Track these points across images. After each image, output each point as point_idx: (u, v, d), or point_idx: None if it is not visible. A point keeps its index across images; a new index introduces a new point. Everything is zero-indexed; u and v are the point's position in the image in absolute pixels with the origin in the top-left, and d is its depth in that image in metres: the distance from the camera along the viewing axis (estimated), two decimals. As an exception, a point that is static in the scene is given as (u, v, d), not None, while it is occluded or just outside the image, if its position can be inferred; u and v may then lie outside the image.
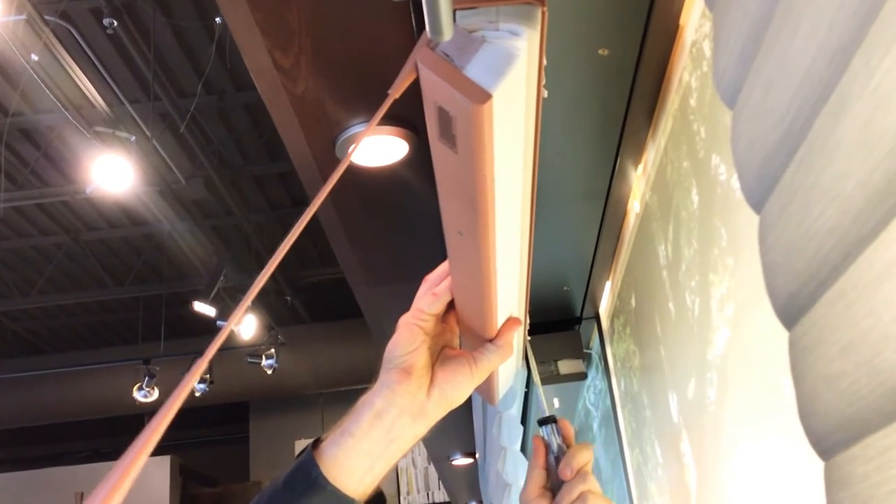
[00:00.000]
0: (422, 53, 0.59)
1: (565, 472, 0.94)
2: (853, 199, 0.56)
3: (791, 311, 0.69)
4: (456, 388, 0.82)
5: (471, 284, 0.79)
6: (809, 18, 0.59)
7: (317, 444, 0.79)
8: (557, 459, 0.97)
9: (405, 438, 0.79)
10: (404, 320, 0.81)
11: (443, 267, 0.84)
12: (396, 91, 0.63)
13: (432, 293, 0.81)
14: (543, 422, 1.01)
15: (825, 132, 0.59)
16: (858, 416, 0.60)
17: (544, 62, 0.67)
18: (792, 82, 0.63)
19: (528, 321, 1.00)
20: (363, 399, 0.79)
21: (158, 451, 10.20)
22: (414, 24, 1.37)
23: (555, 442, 0.99)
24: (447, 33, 0.57)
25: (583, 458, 0.95)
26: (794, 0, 0.61)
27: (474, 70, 0.59)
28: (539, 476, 0.97)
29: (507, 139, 0.63)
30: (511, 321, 0.86)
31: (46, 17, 4.22)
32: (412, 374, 0.79)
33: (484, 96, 0.57)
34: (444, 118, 0.60)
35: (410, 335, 0.80)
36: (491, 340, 0.84)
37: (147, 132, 5.11)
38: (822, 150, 0.60)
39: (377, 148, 1.97)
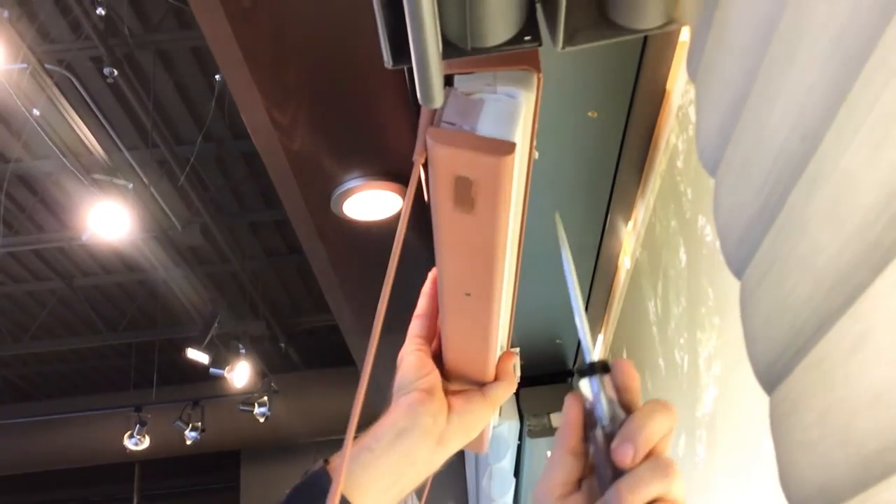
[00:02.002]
0: (430, 132, 0.61)
1: (623, 453, 0.58)
2: (825, 273, 0.58)
3: (770, 377, 0.70)
4: (474, 414, 0.81)
5: (474, 342, 0.80)
6: (784, 98, 0.62)
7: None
8: (609, 436, 0.60)
9: (423, 464, 0.79)
10: (406, 350, 0.82)
11: (423, 300, 0.85)
12: (420, 156, 0.65)
13: (415, 317, 0.83)
14: (585, 372, 0.64)
15: (798, 207, 0.61)
16: (834, 482, 0.61)
17: (537, 126, 0.70)
18: (768, 157, 0.66)
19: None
20: (383, 420, 0.79)
21: (148, 499, 10.05)
22: (408, 86, 1.40)
23: (603, 403, 0.62)
24: (437, 101, 0.59)
25: (655, 427, 0.59)
26: (769, 79, 0.64)
27: (486, 127, 0.61)
28: (567, 464, 0.64)
29: (514, 195, 0.65)
30: (506, 355, 0.86)
31: (47, 65, 4.27)
32: (434, 395, 0.79)
33: (507, 147, 0.59)
34: (463, 185, 0.62)
35: (419, 360, 0.81)
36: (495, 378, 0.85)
37: (145, 179, 5.15)
38: (796, 225, 0.62)
39: (372, 202, 2.01)
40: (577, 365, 0.61)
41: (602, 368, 0.63)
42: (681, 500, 0.58)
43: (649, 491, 0.56)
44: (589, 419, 0.63)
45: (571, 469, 0.63)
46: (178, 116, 5.50)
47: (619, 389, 0.63)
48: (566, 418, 0.64)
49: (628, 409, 0.62)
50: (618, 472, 0.58)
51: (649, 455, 0.59)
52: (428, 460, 0.79)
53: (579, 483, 0.64)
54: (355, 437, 0.69)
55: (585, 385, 0.63)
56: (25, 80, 4.11)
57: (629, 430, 0.58)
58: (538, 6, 0.65)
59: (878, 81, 0.48)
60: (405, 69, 0.60)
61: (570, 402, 0.64)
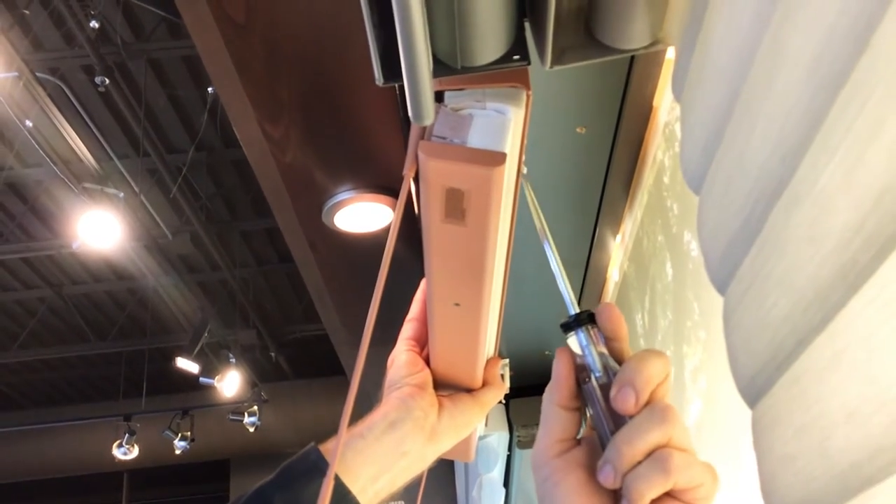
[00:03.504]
0: (422, 146, 0.62)
1: (625, 399, 0.55)
2: (803, 291, 0.60)
3: (752, 391, 0.72)
4: (465, 415, 0.83)
5: (463, 351, 0.82)
6: (764, 119, 0.64)
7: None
8: (604, 387, 0.58)
9: (415, 457, 0.80)
10: (398, 351, 0.84)
11: (416, 304, 0.87)
12: (410, 170, 0.66)
13: (407, 321, 0.85)
14: (570, 326, 0.62)
15: (778, 227, 0.62)
16: (813, 496, 0.62)
17: (525, 141, 0.71)
18: (749, 177, 0.67)
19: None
20: (375, 412, 0.80)
21: (137, 510, 9.99)
22: (399, 100, 1.42)
23: (594, 355, 0.60)
24: (428, 118, 0.60)
25: (652, 370, 0.57)
26: (751, 101, 0.66)
27: (476, 139, 0.62)
28: (561, 419, 0.62)
29: (503, 208, 0.67)
30: (492, 361, 0.88)
31: (39, 74, 4.28)
32: (425, 390, 0.81)
33: (498, 157, 0.61)
34: (454, 197, 0.63)
35: (411, 359, 0.83)
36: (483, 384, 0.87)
37: (135, 187, 5.15)
38: (776, 243, 0.64)
39: (363, 214, 2.02)
40: (562, 321, 0.60)
41: (588, 319, 0.61)
42: (686, 446, 0.56)
43: (647, 440, 0.54)
44: (580, 374, 0.61)
45: (566, 424, 0.61)
46: (169, 125, 5.51)
47: (607, 339, 0.61)
48: (556, 371, 0.61)
49: (619, 358, 0.60)
50: (618, 424, 0.56)
51: (647, 403, 0.56)
52: (420, 454, 0.80)
53: (577, 441, 0.62)
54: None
55: (574, 341, 0.62)
56: (18, 90, 4.11)
57: (626, 375, 0.56)
58: (527, 26, 0.66)
59: (853, 106, 0.50)
60: (396, 85, 0.61)
61: (559, 355, 0.62)
